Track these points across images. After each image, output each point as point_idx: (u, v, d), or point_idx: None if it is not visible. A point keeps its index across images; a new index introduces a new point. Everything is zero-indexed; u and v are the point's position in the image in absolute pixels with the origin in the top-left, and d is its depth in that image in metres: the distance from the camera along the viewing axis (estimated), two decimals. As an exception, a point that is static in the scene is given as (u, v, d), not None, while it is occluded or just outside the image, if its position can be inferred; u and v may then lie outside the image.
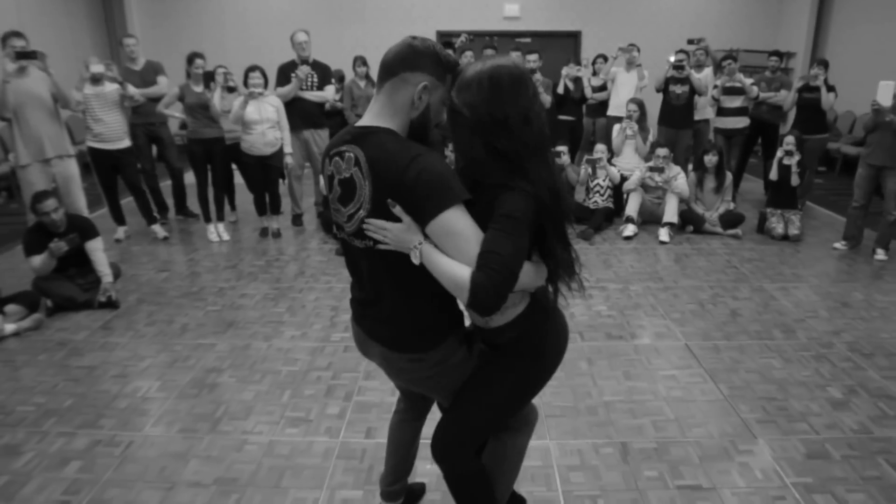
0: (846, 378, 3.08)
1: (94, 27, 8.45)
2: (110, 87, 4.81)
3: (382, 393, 2.92)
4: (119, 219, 5.27)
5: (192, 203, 5.84)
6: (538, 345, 1.63)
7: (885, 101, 4.27)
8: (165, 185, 5.92)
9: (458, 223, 1.37)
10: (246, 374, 3.13)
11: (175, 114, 5.12)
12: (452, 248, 1.37)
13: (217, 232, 5.31)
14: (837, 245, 5.00)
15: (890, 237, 4.78)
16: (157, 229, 5.32)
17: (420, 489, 2.28)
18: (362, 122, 1.48)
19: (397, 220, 1.40)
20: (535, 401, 2.85)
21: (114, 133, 4.90)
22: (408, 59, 1.42)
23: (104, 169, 5.03)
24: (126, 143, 5.02)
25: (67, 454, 2.50)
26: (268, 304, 4.00)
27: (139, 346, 3.43)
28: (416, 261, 1.40)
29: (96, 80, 4.74)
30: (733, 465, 2.43)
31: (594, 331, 3.59)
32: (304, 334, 3.57)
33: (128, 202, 5.52)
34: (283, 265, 4.73)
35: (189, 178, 5.51)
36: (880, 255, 4.75)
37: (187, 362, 3.24)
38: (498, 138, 1.41)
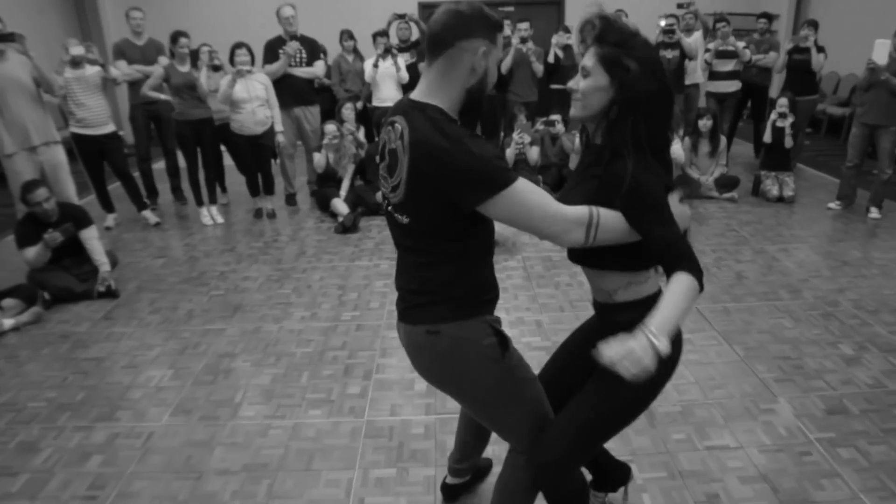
0: (855, 335, 3.14)
1: (63, 5, 8.12)
2: (91, 70, 4.62)
3: (402, 370, 2.90)
4: (108, 206, 5.12)
5: (182, 186, 5.72)
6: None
7: (881, 59, 4.29)
8: (156, 167, 5.77)
9: (513, 208, 1.31)
10: (260, 357, 3.09)
11: (161, 95, 4.95)
12: (521, 224, 1.33)
13: (210, 215, 5.20)
14: (832, 205, 5.06)
15: (883, 196, 4.84)
16: (149, 215, 5.19)
17: (487, 465, 2.24)
18: (415, 96, 1.40)
19: (429, 206, 1.36)
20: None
21: (98, 118, 4.72)
22: (460, 27, 1.34)
23: (90, 155, 4.86)
24: (111, 127, 4.85)
25: (87, 448, 2.45)
26: (272, 285, 3.94)
27: (146, 334, 3.36)
28: (666, 350, 1.21)
29: (76, 63, 4.55)
30: (757, 424, 2.47)
31: (604, 299, 3.59)
32: (313, 315, 3.52)
33: (115, 188, 5.37)
34: (283, 246, 4.66)
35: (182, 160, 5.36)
36: (874, 213, 4.82)
37: (198, 349, 3.18)
38: (651, 115, 1.37)
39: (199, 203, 5.23)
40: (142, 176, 5.52)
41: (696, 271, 1.29)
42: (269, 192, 5.39)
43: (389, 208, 1.46)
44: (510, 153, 5.59)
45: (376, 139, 6.17)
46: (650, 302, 1.40)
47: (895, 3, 6.91)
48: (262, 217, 5.33)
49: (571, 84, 1.45)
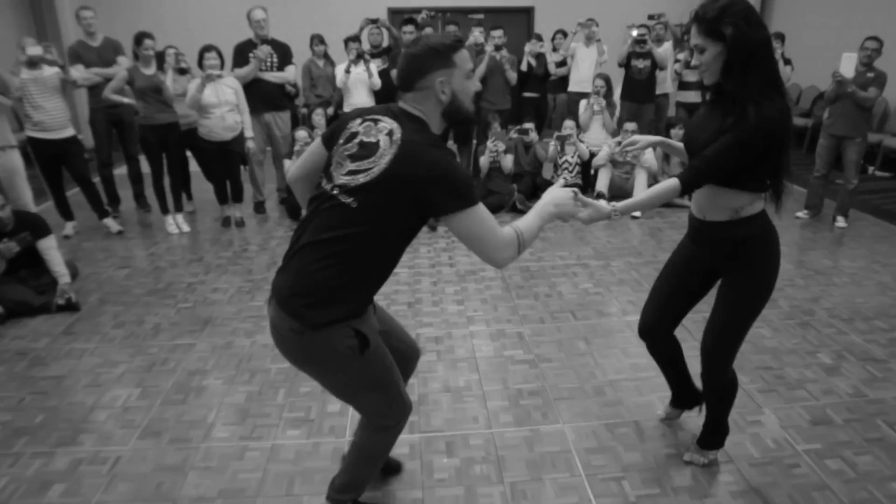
0: (832, 343, 3.17)
1: (18, 2, 7.77)
2: (49, 71, 4.41)
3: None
4: (66, 214, 4.89)
5: (145, 193, 5.51)
6: (773, 248, 1.90)
7: (848, 72, 4.39)
8: (117, 173, 5.54)
9: (473, 225, 1.48)
10: (233, 374, 2.95)
11: (123, 99, 4.75)
12: (475, 238, 1.49)
13: (176, 223, 5.01)
14: (800, 214, 5.16)
15: (849, 205, 4.96)
16: (110, 223, 4.97)
17: (396, 465, 2.26)
18: (405, 106, 1.58)
19: (390, 198, 1.48)
20: (542, 383, 2.82)
21: (56, 121, 4.50)
22: (414, 70, 1.53)
23: (47, 160, 4.63)
24: (70, 131, 4.64)
25: (47, 476, 2.28)
26: (243, 297, 3.80)
27: (110, 350, 3.18)
28: (617, 216, 1.74)
29: (33, 63, 4.34)
30: (746, 437, 2.45)
31: (585, 309, 3.57)
32: (287, 328, 3.39)
33: (74, 194, 5.13)
34: (253, 256, 4.51)
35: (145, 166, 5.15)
36: (841, 222, 4.93)
37: (167, 365, 3.03)
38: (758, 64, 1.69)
39: (164, 211, 5.03)
40: (103, 182, 5.29)
41: (685, 180, 1.77)
42: (237, 200, 5.22)
43: (335, 191, 1.53)
44: (485, 161, 5.55)
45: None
46: (751, 220, 1.87)
47: (856, 18, 7.14)
48: (231, 225, 5.16)
49: (694, 61, 1.76)
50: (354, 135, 1.56)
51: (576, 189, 1.73)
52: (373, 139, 1.51)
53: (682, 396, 2.50)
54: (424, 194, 1.47)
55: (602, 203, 1.77)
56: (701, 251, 2.06)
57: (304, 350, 1.62)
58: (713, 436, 2.27)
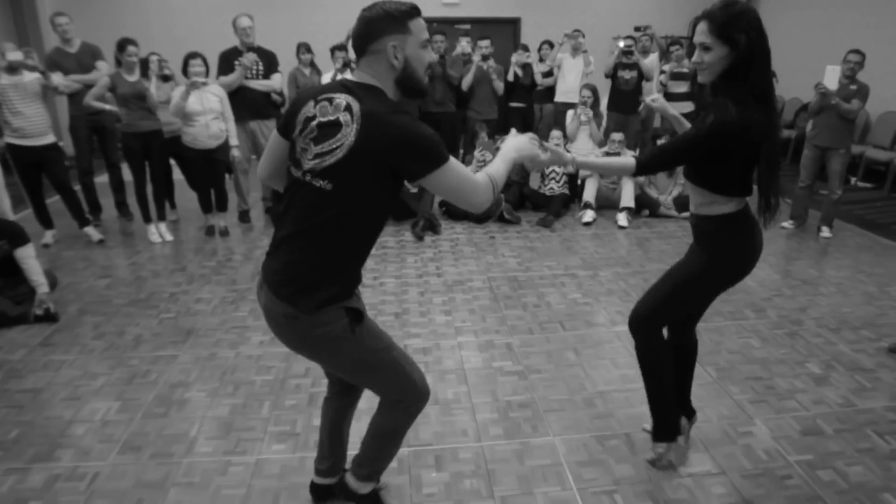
0: (821, 353, 3.18)
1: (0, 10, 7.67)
2: (30, 77, 4.33)
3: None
4: (46, 222, 4.78)
5: (127, 201, 5.41)
6: (730, 248, 1.99)
7: (832, 84, 4.44)
8: (98, 181, 5.44)
9: (448, 180, 1.52)
10: (216, 386, 2.88)
11: (105, 106, 4.67)
12: (453, 194, 1.55)
13: (159, 232, 4.93)
14: (785, 224, 5.20)
15: (834, 215, 5.00)
16: (91, 232, 4.86)
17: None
18: (356, 78, 1.58)
19: (363, 172, 1.49)
20: (531, 395, 2.78)
21: (36, 128, 4.41)
22: (366, 33, 1.53)
23: (26, 168, 4.53)
24: (51, 138, 4.54)
25: (23, 494, 2.19)
26: (227, 308, 3.73)
27: (89, 362, 3.10)
28: (572, 168, 1.90)
29: (13, 69, 4.25)
30: (737, 448, 2.43)
31: (574, 319, 3.55)
32: (272, 339, 3.33)
33: (53, 202, 5.02)
34: (237, 265, 4.44)
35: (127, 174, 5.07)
36: (825, 232, 4.97)
37: (148, 377, 2.95)
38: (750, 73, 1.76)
39: (147, 220, 4.94)
40: (83, 190, 5.20)
41: (641, 161, 1.95)
42: (221, 209, 5.15)
43: (307, 177, 1.53)
44: (472, 170, 5.53)
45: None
46: (725, 220, 1.96)
47: (838, 33, 7.26)
48: (215, 235, 5.08)
49: (695, 59, 1.83)
50: (311, 118, 1.55)
51: (534, 135, 1.90)
52: (332, 118, 1.51)
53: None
54: (396, 162, 1.49)
55: (562, 151, 1.98)
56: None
57: (299, 334, 1.63)
58: (658, 425, 2.31)
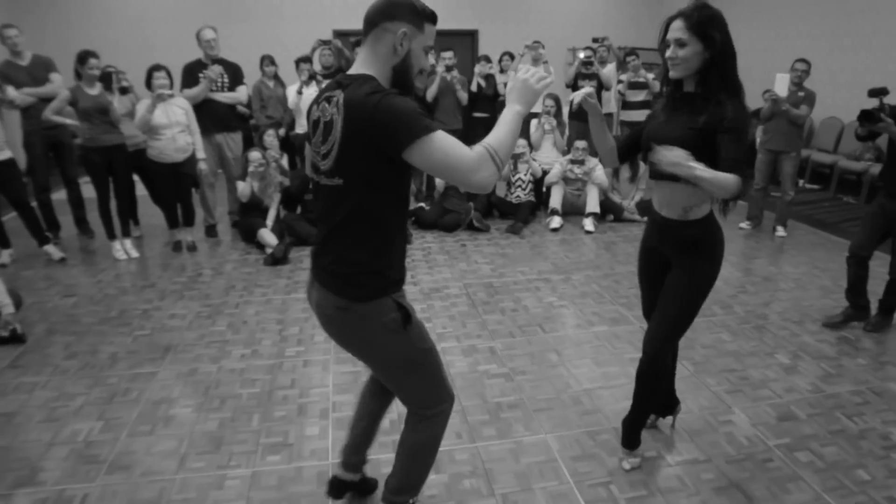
0: (788, 345, 3.34)
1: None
2: (-16, 92, 4.18)
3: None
4: (2, 240, 4.59)
5: (87, 218, 5.25)
6: (719, 245, 2.06)
7: (782, 91, 4.69)
8: (56, 198, 5.26)
9: (433, 153, 1.43)
10: (202, 401, 2.83)
11: (65, 120, 4.53)
12: (440, 169, 1.46)
13: (124, 249, 4.79)
14: (742, 225, 5.44)
15: (787, 215, 5.27)
16: (52, 250, 4.70)
17: (373, 484, 2.22)
18: (350, 71, 1.58)
19: (360, 161, 1.49)
20: (520, 396, 2.83)
21: (-9, 143, 4.26)
22: (386, 10, 1.54)
23: (-20, 185, 4.36)
24: (6, 153, 4.38)
25: (7, 519, 2.11)
26: (204, 322, 3.66)
27: (64, 382, 2.99)
28: (699, 172, 1.75)
29: (-34, 83, 4.10)
30: (720, 436, 2.54)
31: (552, 322, 3.63)
32: (254, 352, 3.29)
33: (10, 220, 4.83)
34: (209, 280, 4.36)
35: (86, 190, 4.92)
36: (780, 231, 5.23)
37: (129, 395, 2.87)
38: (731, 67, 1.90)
39: (111, 236, 4.80)
40: (41, 207, 5.02)
41: (741, 186, 1.82)
42: (189, 224, 5.05)
43: (322, 179, 1.59)
44: (440, 181, 5.60)
45: (299, 167, 5.99)
46: (705, 220, 2.05)
47: (785, 40, 7.66)
48: (182, 250, 4.98)
49: (670, 53, 1.91)
50: (317, 122, 1.59)
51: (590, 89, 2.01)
52: (329, 117, 1.54)
53: (662, 401, 2.57)
54: (379, 141, 1.45)
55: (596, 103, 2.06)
56: (660, 242, 2.19)
57: (350, 326, 1.65)
58: (633, 434, 2.36)
